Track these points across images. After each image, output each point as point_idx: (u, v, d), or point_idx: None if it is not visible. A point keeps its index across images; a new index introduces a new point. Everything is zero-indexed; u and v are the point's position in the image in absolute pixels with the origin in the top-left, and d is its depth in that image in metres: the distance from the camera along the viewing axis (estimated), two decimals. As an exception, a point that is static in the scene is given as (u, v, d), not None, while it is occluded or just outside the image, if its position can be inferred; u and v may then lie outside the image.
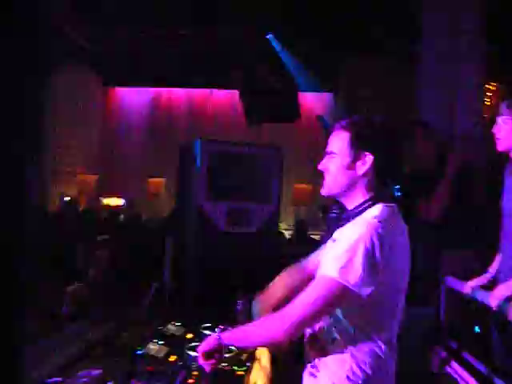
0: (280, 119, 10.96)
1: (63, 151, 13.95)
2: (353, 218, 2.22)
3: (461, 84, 5.15)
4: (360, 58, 11.38)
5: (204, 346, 2.25)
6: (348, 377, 2.16)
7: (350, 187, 2.26)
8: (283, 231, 9.52)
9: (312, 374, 2.30)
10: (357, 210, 2.22)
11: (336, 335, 2.20)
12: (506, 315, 3.47)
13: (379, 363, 2.18)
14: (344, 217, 2.29)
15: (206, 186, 3.80)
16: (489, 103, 9.72)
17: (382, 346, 2.17)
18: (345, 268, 2.01)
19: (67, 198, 10.60)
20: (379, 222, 2.08)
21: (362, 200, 2.23)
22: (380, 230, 2.05)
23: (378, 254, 2.03)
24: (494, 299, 3.50)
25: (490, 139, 4.13)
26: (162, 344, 3.12)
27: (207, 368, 2.29)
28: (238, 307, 3.64)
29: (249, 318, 3.53)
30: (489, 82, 10.03)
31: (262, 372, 2.90)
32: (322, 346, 2.26)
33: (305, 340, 2.35)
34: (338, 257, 2.04)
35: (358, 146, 2.22)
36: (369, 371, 2.16)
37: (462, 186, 4.33)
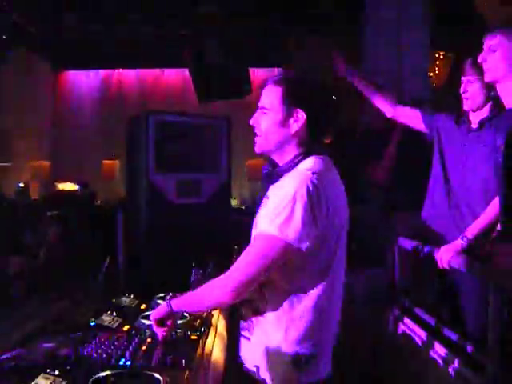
0: (230, 95, 10.89)
1: (15, 138, 13.79)
2: (284, 174, 2.21)
3: (407, 47, 5.17)
4: (309, 33, 11.38)
5: (155, 313, 2.31)
6: (284, 338, 2.17)
7: (283, 144, 2.24)
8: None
9: (246, 338, 2.33)
10: (287, 165, 2.22)
11: (268, 294, 2.21)
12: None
13: (317, 318, 2.17)
14: (275, 172, 2.28)
15: (154, 159, 3.78)
16: (437, 72, 9.79)
17: (320, 300, 2.16)
18: (284, 224, 2.01)
19: (21, 185, 10.44)
20: (313, 173, 2.08)
21: (293, 155, 2.22)
22: (315, 181, 2.05)
23: (315, 205, 2.02)
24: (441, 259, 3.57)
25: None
26: (115, 316, 3.11)
27: (160, 335, 2.34)
28: (192, 277, 3.65)
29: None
30: (437, 50, 10.10)
31: (218, 339, 2.92)
32: (255, 307, 2.26)
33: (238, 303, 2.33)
34: (276, 213, 2.04)
35: (291, 102, 2.20)
36: (305, 328, 2.16)
37: (408, 148, 4.36)
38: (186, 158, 4.05)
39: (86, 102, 16.21)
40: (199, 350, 2.62)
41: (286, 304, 2.18)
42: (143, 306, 3.32)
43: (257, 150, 2.35)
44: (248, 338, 2.32)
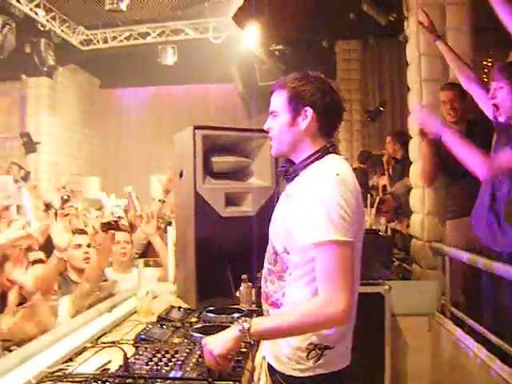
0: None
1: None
2: (301, 171, 2.31)
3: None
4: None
5: (223, 346, 2.20)
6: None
7: (296, 143, 2.33)
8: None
9: (275, 305, 2.37)
10: (305, 163, 2.30)
11: (288, 285, 2.32)
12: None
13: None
14: (291, 170, 2.36)
15: (202, 172, 3.80)
16: (486, 79, 9.67)
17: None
18: (332, 226, 2.07)
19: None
20: (337, 174, 2.16)
21: (309, 153, 2.30)
22: (341, 181, 2.14)
23: (348, 203, 2.12)
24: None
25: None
26: (165, 328, 3.14)
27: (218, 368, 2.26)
28: (241, 289, 3.67)
29: (250, 299, 3.58)
30: (485, 58, 9.99)
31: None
32: (275, 300, 2.38)
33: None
34: (320, 217, 2.09)
35: (296, 101, 2.30)
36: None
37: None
38: (234, 170, 4.07)
39: (133, 119, 16.44)
40: (249, 363, 2.61)
41: (305, 294, 2.23)
42: (193, 319, 3.33)
43: (273, 152, 2.47)
44: (277, 305, 2.36)
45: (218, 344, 2.19)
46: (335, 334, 2.23)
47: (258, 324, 2.17)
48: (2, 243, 3.25)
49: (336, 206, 2.07)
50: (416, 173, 5.63)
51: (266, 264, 2.49)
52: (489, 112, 4.01)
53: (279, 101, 2.35)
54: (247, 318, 2.20)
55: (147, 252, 5.66)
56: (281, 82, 2.39)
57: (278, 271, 2.34)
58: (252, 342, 2.59)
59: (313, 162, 2.28)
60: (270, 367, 2.44)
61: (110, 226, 3.81)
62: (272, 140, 2.42)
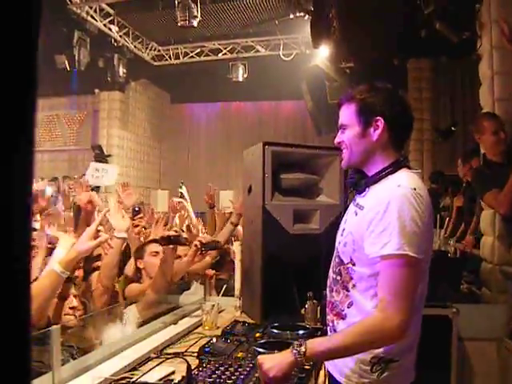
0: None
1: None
2: (374, 184, 2.28)
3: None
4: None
5: (279, 369, 2.14)
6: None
7: (368, 154, 2.30)
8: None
9: (339, 316, 2.35)
10: (378, 176, 2.27)
11: (355, 295, 2.29)
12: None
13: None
14: (365, 182, 2.33)
15: (270, 188, 3.81)
16: None
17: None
18: (405, 241, 2.04)
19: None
20: (413, 189, 2.11)
21: (382, 166, 2.27)
22: (418, 198, 2.10)
23: (423, 219, 2.08)
24: None
25: None
26: (229, 342, 3.15)
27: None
28: (306, 306, 3.65)
29: (315, 317, 3.56)
30: None
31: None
32: (339, 311, 2.37)
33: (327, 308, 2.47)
34: (394, 231, 2.06)
35: (366, 112, 2.27)
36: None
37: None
38: (302, 187, 4.07)
39: (203, 133, 16.62)
40: (312, 380, 2.60)
41: (368, 308, 2.21)
42: (258, 334, 3.33)
43: (343, 164, 2.44)
44: (343, 317, 2.34)
45: (273, 367, 2.13)
46: (399, 346, 2.18)
47: (313, 347, 2.12)
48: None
49: (411, 222, 2.04)
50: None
51: (330, 273, 2.47)
52: None
53: (348, 113, 2.33)
54: (302, 341, 2.14)
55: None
56: (348, 94, 2.38)
57: (342, 282, 2.32)
58: (308, 367, 2.54)
59: (387, 175, 2.25)
60: (334, 381, 2.41)
61: (169, 241, 3.84)
62: (343, 152, 2.39)
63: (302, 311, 3.70)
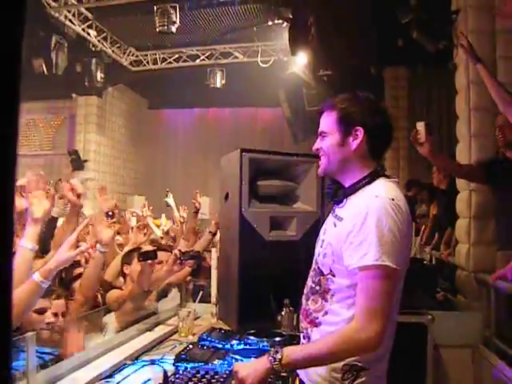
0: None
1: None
2: (352, 194, 2.28)
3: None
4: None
5: (255, 376, 2.15)
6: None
7: (345, 164, 2.30)
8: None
9: (313, 324, 2.35)
10: (355, 186, 2.27)
11: (330, 304, 2.29)
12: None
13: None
14: (342, 193, 2.33)
15: (247, 195, 3.82)
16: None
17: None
18: (384, 251, 2.05)
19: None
20: (392, 199, 2.13)
21: (360, 176, 2.27)
22: (396, 206, 2.11)
23: (401, 229, 2.09)
24: None
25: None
26: (205, 349, 3.14)
27: None
28: (283, 313, 3.66)
29: (291, 324, 3.56)
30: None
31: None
32: (313, 318, 2.37)
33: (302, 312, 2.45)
34: (372, 242, 2.05)
35: (347, 121, 2.28)
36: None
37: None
38: (280, 195, 4.08)
39: (180, 140, 16.60)
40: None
41: (344, 317, 2.21)
42: (234, 341, 3.33)
43: (320, 171, 2.44)
44: (316, 324, 2.34)
45: (249, 375, 2.14)
46: (371, 355, 2.17)
47: (289, 354, 2.13)
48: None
49: (389, 232, 2.05)
50: (463, 201, 5.58)
51: (309, 282, 2.46)
52: None
53: (329, 121, 2.33)
54: (278, 349, 2.15)
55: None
56: (330, 102, 2.38)
57: (322, 292, 2.32)
58: (284, 374, 2.54)
59: (364, 185, 2.26)
60: None
61: (147, 256, 3.83)
62: (321, 159, 2.39)
63: (279, 318, 3.70)
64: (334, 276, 2.26)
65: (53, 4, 10.85)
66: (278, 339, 3.26)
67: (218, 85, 13.26)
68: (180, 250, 4.13)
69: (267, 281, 3.70)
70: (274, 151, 4.13)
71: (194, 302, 4.46)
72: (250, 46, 12.98)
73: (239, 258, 3.78)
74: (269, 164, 4.03)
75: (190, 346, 3.16)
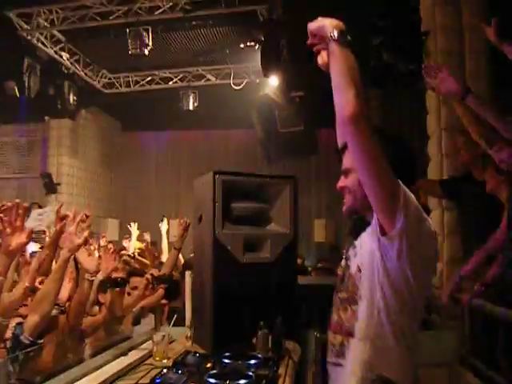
0: (297, 155, 10.98)
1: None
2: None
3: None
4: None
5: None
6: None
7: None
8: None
9: (338, 365, 2.34)
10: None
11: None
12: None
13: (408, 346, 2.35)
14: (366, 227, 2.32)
15: (220, 217, 3.82)
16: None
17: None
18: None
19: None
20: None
21: None
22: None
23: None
24: None
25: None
26: (181, 373, 3.12)
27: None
28: (258, 336, 3.64)
29: (266, 346, 3.55)
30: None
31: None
32: (348, 330, 2.31)
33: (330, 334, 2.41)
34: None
35: None
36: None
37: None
38: (253, 216, 4.08)
39: (154, 162, 16.57)
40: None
41: (379, 295, 2.22)
42: (209, 365, 3.31)
43: (345, 209, 2.41)
44: (340, 365, 2.32)
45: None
46: (400, 368, 2.27)
47: None
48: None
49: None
50: (435, 220, 5.61)
51: (335, 297, 2.46)
52: None
53: (351, 158, 2.29)
54: None
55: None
56: None
57: (350, 295, 2.32)
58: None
59: None
60: None
61: (116, 284, 3.82)
62: (345, 196, 2.38)
63: (254, 341, 3.69)
64: (360, 272, 2.28)
65: (25, 26, 10.82)
66: (253, 362, 3.24)
67: (191, 107, 13.27)
68: (152, 275, 4.12)
69: (242, 303, 3.69)
70: (247, 173, 4.14)
71: (169, 325, 4.44)
72: (223, 69, 13.02)
73: (213, 281, 3.77)
74: (242, 186, 4.04)
75: (165, 371, 3.13)
